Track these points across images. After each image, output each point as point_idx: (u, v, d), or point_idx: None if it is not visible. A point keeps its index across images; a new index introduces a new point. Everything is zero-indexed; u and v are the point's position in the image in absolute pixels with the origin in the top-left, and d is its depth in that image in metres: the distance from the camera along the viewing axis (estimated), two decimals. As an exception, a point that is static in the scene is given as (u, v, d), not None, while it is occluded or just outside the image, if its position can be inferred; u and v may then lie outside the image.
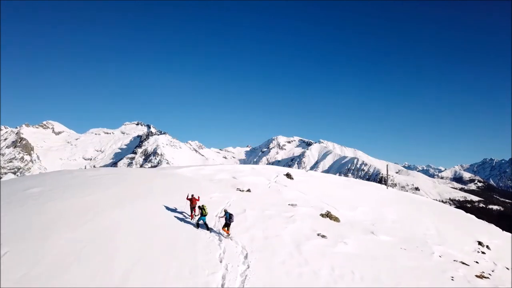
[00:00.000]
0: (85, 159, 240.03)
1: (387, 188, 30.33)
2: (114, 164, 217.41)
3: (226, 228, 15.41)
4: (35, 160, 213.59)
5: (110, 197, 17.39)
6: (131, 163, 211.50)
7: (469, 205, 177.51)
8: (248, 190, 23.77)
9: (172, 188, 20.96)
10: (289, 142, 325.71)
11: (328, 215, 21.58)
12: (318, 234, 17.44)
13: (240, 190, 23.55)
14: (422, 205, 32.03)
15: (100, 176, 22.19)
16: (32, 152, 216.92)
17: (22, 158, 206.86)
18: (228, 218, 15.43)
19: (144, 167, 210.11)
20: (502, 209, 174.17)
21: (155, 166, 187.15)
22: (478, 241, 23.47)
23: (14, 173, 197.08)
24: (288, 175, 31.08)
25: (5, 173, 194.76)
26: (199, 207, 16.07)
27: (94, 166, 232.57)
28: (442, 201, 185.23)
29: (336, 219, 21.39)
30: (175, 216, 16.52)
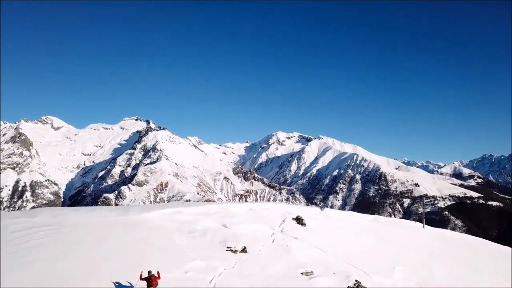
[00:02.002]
0: (84, 155, 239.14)
1: (423, 227, 25.37)
2: (113, 159, 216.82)
3: None
4: (34, 156, 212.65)
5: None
6: (130, 158, 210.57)
7: (468, 201, 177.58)
8: (244, 250, 17.20)
9: (129, 255, 13.71)
10: (288, 138, 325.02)
11: (358, 288, 16.07)
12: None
13: (232, 251, 16.86)
14: (477, 252, 25.06)
15: (29, 232, 14.56)
16: (31, 147, 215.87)
17: (21, 153, 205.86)
18: None
19: (144, 162, 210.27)
20: (501, 205, 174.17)
21: (154, 162, 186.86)
22: None
23: (13, 168, 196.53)
24: (299, 220, 22.56)
25: (4, 169, 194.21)
26: None
27: (93, 162, 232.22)
28: (442, 197, 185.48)
29: (371, 296, 15.76)
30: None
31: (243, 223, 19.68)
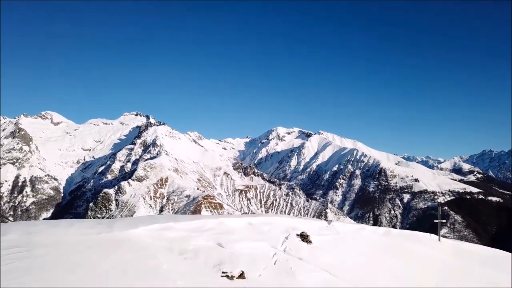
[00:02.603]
0: (84, 150, 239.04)
1: (439, 239, 24.08)
2: (113, 154, 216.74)
3: None
4: (34, 151, 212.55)
5: None
6: (130, 153, 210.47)
7: (468, 197, 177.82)
8: (241, 275, 14.47)
9: (109, 283, 10.76)
10: (288, 133, 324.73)
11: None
12: None
13: (228, 277, 14.29)
14: (500, 269, 21.92)
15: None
16: (31, 142, 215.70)
17: (21, 148, 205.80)
18: None
19: (144, 158, 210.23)
20: (501, 200, 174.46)
21: (154, 157, 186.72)
22: None
23: (13, 163, 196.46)
24: (304, 237, 19.52)
25: (4, 164, 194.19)
26: None
27: (93, 157, 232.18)
28: (442, 193, 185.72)
29: None
30: None
31: (241, 240, 17.17)
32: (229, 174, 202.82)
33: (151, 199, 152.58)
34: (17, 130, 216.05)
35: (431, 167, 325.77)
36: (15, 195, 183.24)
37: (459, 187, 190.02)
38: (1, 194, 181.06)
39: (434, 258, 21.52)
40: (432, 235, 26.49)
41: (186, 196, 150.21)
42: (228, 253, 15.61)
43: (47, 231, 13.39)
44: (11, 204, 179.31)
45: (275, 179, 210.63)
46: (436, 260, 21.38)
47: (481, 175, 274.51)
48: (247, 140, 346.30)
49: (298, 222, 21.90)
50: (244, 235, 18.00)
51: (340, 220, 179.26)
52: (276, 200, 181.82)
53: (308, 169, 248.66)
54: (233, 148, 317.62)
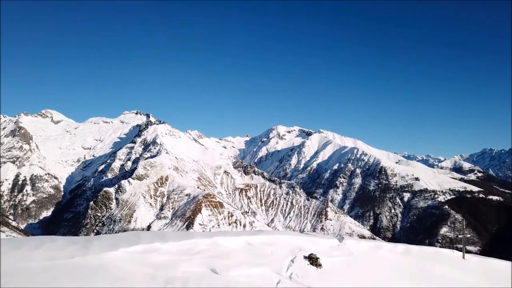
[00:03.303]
0: (84, 148, 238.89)
1: (463, 257, 22.00)
2: (113, 153, 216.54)
3: None
4: (34, 149, 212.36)
5: None
6: (130, 152, 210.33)
7: (468, 196, 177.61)
8: None
9: None
10: (289, 132, 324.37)
11: None
12: None
13: None
14: None
15: None
16: (31, 141, 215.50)
17: (21, 147, 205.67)
18: None
19: (144, 156, 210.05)
20: (501, 199, 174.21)
21: (154, 156, 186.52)
22: None
23: (13, 162, 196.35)
24: (312, 259, 16.47)
25: (4, 162, 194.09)
26: None
27: (93, 156, 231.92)
28: (442, 192, 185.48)
29: None
30: None
31: (239, 265, 14.66)
32: (229, 173, 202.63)
33: (151, 197, 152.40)
34: (17, 129, 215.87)
35: (432, 166, 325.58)
36: (15, 194, 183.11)
37: (460, 186, 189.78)
38: (1, 193, 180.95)
39: (459, 282, 18.93)
40: (455, 251, 23.72)
41: (186, 195, 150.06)
42: (223, 282, 13.27)
43: (11, 253, 10.89)
44: (11, 203, 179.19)
45: (276, 178, 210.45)
46: (462, 284, 18.76)
47: (481, 174, 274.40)
48: (248, 138, 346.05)
49: (305, 240, 18.92)
50: (242, 259, 15.45)
51: (341, 220, 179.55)
52: (276, 198, 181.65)
53: (309, 168, 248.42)
54: (233, 147, 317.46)
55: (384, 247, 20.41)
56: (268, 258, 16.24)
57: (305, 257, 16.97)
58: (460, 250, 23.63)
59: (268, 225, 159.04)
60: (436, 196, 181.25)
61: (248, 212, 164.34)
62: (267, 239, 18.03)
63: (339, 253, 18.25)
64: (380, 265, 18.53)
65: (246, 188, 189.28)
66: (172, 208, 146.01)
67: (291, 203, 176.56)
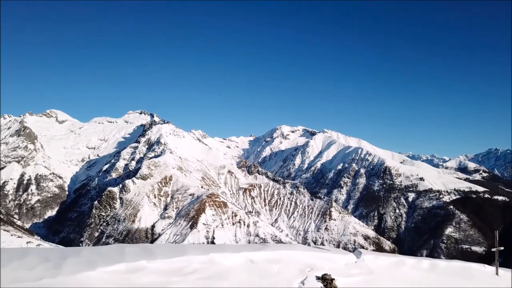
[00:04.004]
0: (89, 148, 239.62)
1: (496, 273, 19.59)
2: (117, 153, 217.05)
3: None
4: (38, 149, 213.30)
5: None
6: (134, 152, 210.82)
7: (474, 196, 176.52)
8: None
9: None
10: (292, 131, 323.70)
11: None
12: None
13: None
14: None
15: None
16: (35, 140, 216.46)
17: (26, 147, 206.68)
18: None
19: (148, 156, 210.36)
20: (507, 199, 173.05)
21: (158, 155, 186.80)
22: None
23: (18, 161, 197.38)
24: (326, 281, 12.83)
25: (9, 162, 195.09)
26: None
27: (98, 155, 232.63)
28: (447, 192, 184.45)
29: None
30: None
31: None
32: (233, 173, 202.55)
33: (155, 197, 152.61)
34: (22, 129, 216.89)
35: (436, 166, 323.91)
36: (20, 193, 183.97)
37: (465, 186, 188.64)
38: (6, 192, 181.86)
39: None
40: (487, 266, 20.89)
41: (190, 195, 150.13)
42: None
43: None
44: (16, 202, 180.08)
45: (279, 178, 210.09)
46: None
47: (486, 174, 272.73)
48: (251, 138, 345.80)
49: (317, 257, 15.81)
50: (243, 280, 12.71)
51: (345, 220, 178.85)
52: (280, 198, 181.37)
53: (313, 168, 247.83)
54: (237, 147, 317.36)
55: (406, 263, 17.72)
56: (273, 278, 13.41)
57: (318, 278, 13.87)
58: (491, 264, 20.70)
59: (272, 225, 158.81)
60: (441, 196, 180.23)
61: (252, 212, 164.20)
62: (272, 256, 14.93)
63: (357, 272, 15.58)
64: (403, 285, 15.65)
65: (250, 188, 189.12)
66: (176, 208, 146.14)
67: (295, 203, 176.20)
